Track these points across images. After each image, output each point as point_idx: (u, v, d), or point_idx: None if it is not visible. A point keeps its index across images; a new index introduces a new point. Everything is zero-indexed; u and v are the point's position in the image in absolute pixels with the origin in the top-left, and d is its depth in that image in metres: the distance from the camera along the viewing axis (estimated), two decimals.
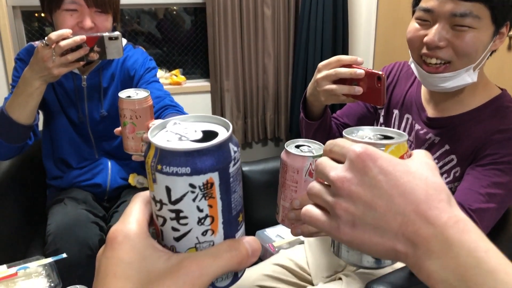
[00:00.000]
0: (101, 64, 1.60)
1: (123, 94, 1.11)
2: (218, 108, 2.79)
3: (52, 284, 1.22)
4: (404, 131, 1.22)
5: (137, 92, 1.12)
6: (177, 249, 0.36)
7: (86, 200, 1.63)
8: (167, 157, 0.34)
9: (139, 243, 0.35)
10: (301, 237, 1.69)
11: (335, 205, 0.40)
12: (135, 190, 1.70)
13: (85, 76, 1.59)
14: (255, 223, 1.72)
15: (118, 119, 1.65)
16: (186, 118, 0.39)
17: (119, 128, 1.16)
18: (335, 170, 0.41)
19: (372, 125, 1.35)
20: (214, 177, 0.34)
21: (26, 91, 1.34)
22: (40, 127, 1.69)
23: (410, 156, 0.43)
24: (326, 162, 0.43)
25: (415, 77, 1.21)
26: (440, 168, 1.12)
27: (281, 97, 2.87)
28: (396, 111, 1.26)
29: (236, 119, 2.83)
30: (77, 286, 1.07)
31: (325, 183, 0.44)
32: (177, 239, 0.36)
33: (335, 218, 0.41)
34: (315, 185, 0.44)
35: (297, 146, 0.78)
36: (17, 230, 1.68)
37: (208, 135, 0.36)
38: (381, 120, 1.31)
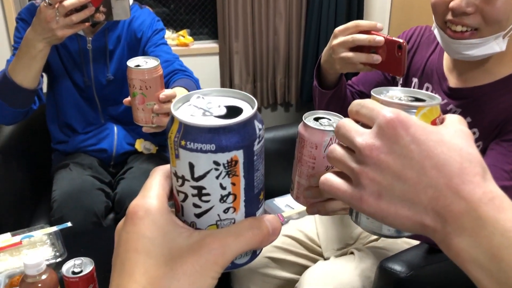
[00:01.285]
0: (107, 25, 1.54)
1: (131, 63, 1.06)
2: (226, 71, 2.72)
3: (57, 254, 1.20)
4: None
5: (147, 61, 1.06)
6: (197, 225, 0.36)
7: (91, 165, 1.61)
8: (191, 133, 0.33)
9: (160, 219, 0.35)
10: None
11: (361, 173, 0.38)
12: (141, 155, 1.67)
13: (90, 38, 1.53)
14: (264, 193, 1.68)
15: (125, 83, 1.60)
16: (209, 92, 0.39)
17: (128, 99, 1.11)
18: (362, 136, 0.38)
19: None
20: (239, 154, 0.33)
21: (29, 53, 1.30)
22: (44, 90, 1.65)
23: (442, 120, 0.41)
24: (351, 126, 0.40)
25: (437, 43, 1.14)
26: None
27: (292, 60, 2.79)
28: (415, 80, 1.19)
29: (245, 83, 2.76)
30: (82, 258, 1.04)
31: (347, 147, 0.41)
32: (198, 215, 0.36)
33: (358, 188, 0.38)
34: (337, 149, 0.41)
35: (316, 119, 0.71)
36: (21, 196, 1.66)
37: (232, 111, 0.35)
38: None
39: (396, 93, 0.46)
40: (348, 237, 1.32)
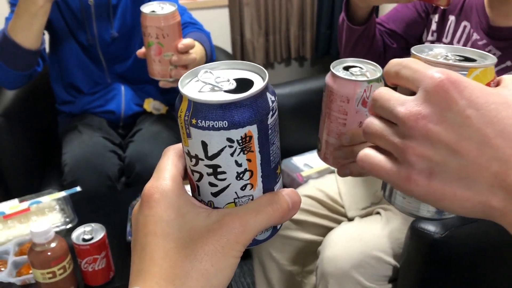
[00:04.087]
0: None
1: (146, 8, 0.96)
2: (237, 25, 2.60)
3: (67, 220, 1.16)
4: (459, 41, 1.07)
5: (162, 6, 0.97)
6: (215, 204, 0.36)
7: (101, 126, 1.55)
8: (202, 110, 0.32)
9: (177, 200, 0.34)
10: (332, 167, 1.58)
11: (406, 149, 0.33)
12: (151, 116, 1.61)
13: None
14: (281, 151, 1.60)
15: (131, 39, 1.53)
16: (217, 65, 0.37)
17: (143, 50, 1.02)
18: (405, 104, 0.33)
19: (423, 33, 1.18)
20: (253, 130, 0.32)
21: (29, 10, 1.21)
22: (47, 50, 1.57)
23: (498, 83, 0.35)
24: (390, 93, 0.35)
25: None
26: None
27: (306, 11, 2.65)
28: (452, 17, 1.09)
29: (257, 36, 2.64)
30: (92, 224, 0.99)
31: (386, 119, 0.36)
32: (215, 194, 0.35)
33: (405, 166, 0.33)
34: (374, 122, 0.36)
35: (346, 68, 0.62)
36: (29, 161, 1.61)
37: (243, 84, 0.34)
38: (433, 27, 1.14)
39: (441, 51, 0.40)
40: (373, 196, 1.25)
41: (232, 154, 0.33)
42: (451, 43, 1.08)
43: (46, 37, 1.56)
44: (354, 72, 0.61)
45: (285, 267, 1.26)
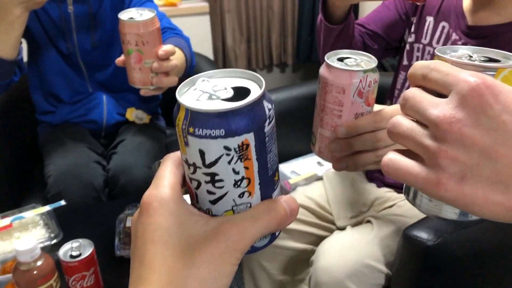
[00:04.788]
0: None
1: (124, 15, 0.94)
2: (218, 32, 2.59)
3: (52, 235, 1.12)
4: (438, 41, 1.09)
5: (141, 13, 0.96)
6: (213, 212, 0.36)
7: (83, 136, 1.52)
8: (199, 119, 0.32)
9: (175, 208, 0.34)
10: (319, 173, 1.57)
11: (439, 152, 0.32)
12: (133, 125, 1.58)
13: (71, 0, 1.41)
14: None
15: (111, 47, 1.50)
16: (214, 74, 0.37)
17: (122, 58, 1.00)
18: (439, 106, 0.33)
19: (403, 34, 1.19)
20: (250, 138, 0.33)
21: (6, 19, 1.17)
22: (25, 59, 1.52)
23: None
24: (422, 95, 0.34)
25: None
26: None
27: (287, 17, 2.67)
28: (430, 18, 1.11)
29: (239, 43, 2.63)
30: (80, 239, 0.95)
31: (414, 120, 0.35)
32: (213, 202, 0.36)
33: (435, 169, 0.32)
34: (402, 122, 0.35)
35: (340, 59, 0.61)
36: (10, 174, 1.55)
37: (240, 92, 0.34)
38: (412, 29, 1.15)
39: (465, 52, 0.40)
40: (361, 204, 1.25)
41: (229, 162, 0.33)
42: (430, 43, 1.09)
43: (24, 45, 1.52)
44: (349, 62, 0.60)
45: (275, 276, 1.24)
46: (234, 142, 0.32)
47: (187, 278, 0.32)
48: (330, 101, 0.61)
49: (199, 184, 0.35)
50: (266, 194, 0.36)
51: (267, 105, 0.34)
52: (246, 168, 0.34)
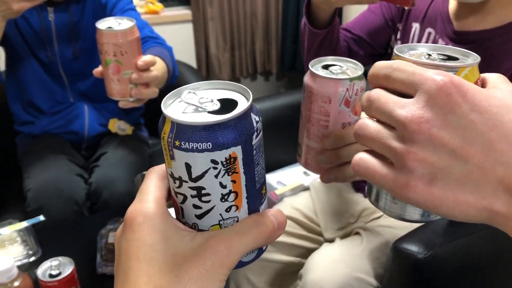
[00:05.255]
0: None
1: (102, 24, 0.91)
2: (201, 40, 2.57)
3: (30, 252, 1.08)
4: None
5: (119, 22, 0.93)
6: (199, 226, 0.35)
7: (64, 148, 1.47)
8: (185, 132, 0.31)
9: (160, 223, 0.33)
10: (305, 183, 1.56)
11: (407, 154, 0.31)
12: (115, 137, 1.54)
13: (52, 8, 1.37)
14: None
15: (93, 56, 1.46)
16: (200, 86, 0.37)
17: (99, 69, 0.97)
18: (406, 107, 0.32)
19: (389, 41, 1.19)
20: (237, 151, 0.32)
21: None
22: (2, 67, 1.49)
23: (483, 82, 0.35)
24: (387, 95, 0.34)
25: None
26: None
27: (271, 25, 2.66)
28: (416, 25, 1.11)
29: (223, 51, 2.62)
30: (59, 258, 0.92)
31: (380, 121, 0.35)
32: (200, 216, 0.35)
33: (404, 171, 0.32)
34: (369, 124, 0.35)
35: (325, 67, 0.59)
36: None
37: (226, 104, 0.34)
38: (398, 35, 1.15)
39: (423, 50, 0.40)
40: (348, 215, 1.23)
41: (216, 176, 0.33)
42: None
43: (2, 54, 1.48)
44: (334, 70, 0.58)
45: None
46: (221, 155, 0.32)
47: None
48: (315, 111, 0.58)
49: (185, 198, 0.34)
50: (254, 207, 0.36)
51: (254, 117, 0.34)
52: (233, 181, 0.33)
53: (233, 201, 0.34)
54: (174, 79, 1.27)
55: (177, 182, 0.34)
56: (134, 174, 1.37)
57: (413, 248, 0.90)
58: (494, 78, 0.35)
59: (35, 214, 1.17)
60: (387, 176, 0.33)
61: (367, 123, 0.35)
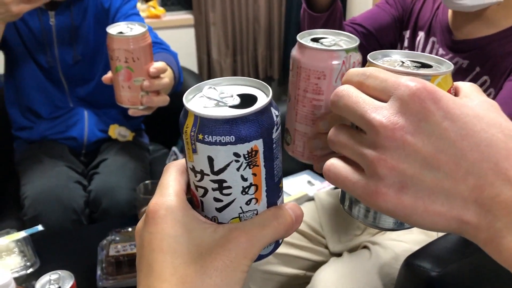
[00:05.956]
0: None
1: (113, 29, 0.88)
2: (203, 45, 2.55)
3: (28, 263, 1.04)
4: None
5: (131, 27, 0.90)
6: (219, 219, 0.36)
7: (63, 154, 1.44)
8: (209, 125, 0.32)
9: (182, 216, 0.34)
10: (310, 193, 1.53)
11: (377, 161, 0.31)
12: (115, 143, 1.51)
13: (53, 12, 1.34)
14: None
15: (94, 61, 1.43)
16: (220, 81, 0.38)
17: (109, 75, 0.93)
18: (380, 111, 0.31)
19: (395, 42, 1.18)
20: (259, 144, 0.33)
21: None
22: (1, 71, 1.45)
23: (455, 91, 0.35)
24: (358, 94, 0.33)
25: None
26: None
27: (274, 31, 2.66)
28: (421, 33, 1.11)
29: (224, 56, 2.60)
30: (59, 271, 0.88)
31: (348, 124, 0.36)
32: (220, 209, 0.35)
33: (374, 178, 0.31)
34: (342, 130, 0.35)
35: (315, 40, 0.52)
36: None
37: (246, 99, 0.35)
38: (406, 43, 1.15)
39: (397, 57, 0.39)
40: (354, 227, 1.20)
41: (238, 169, 0.33)
42: None
43: (0, 58, 1.45)
44: (325, 42, 0.50)
45: None
46: (243, 148, 0.32)
47: (200, 286, 0.32)
48: (307, 89, 0.51)
49: (206, 191, 0.35)
50: (272, 201, 0.36)
51: (274, 111, 0.34)
52: (254, 174, 0.34)
53: (253, 194, 0.35)
54: (180, 86, 1.24)
55: (199, 175, 0.34)
56: (135, 181, 1.34)
57: (426, 264, 0.87)
58: (467, 87, 0.35)
59: (32, 223, 1.13)
60: (357, 183, 0.32)
61: (339, 128, 0.35)
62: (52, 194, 1.27)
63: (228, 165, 0.33)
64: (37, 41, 1.37)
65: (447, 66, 0.36)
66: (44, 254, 1.07)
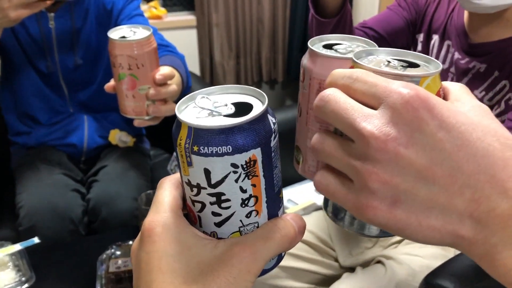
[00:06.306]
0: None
1: (114, 34, 0.82)
2: (205, 47, 2.51)
3: (23, 278, 1.00)
4: (443, 61, 1.06)
5: (134, 31, 0.84)
6: (218, 235, 0.35)
7: (61, 161, 1.39)
8: (204, 136, 0.31)
9: (180, 233, 0.33)
10: (318, 202, 1.47)
11: (368, 174, 0.29)
12: (116, 149, 1.46)
13: (52, 14, 1.29)
14: None
15: (96, 65, 1.38)
16: (213, 91, 0.37)
17: (112, 83, 0.87)
18: (370, 120, 0.29)
19: (408, 46, 1.14)
20: (257, 153, 0.32)
21: None
22: None
23: (444, 92, 0.33)
24: (346, 100, 0.31)
25: None
26: (491, 99, 0.98)
27: (278, 33, 2.61)
28: (436, 37, 1.08)
29: (228, 59, 2.56)
30: None
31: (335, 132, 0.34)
32: (219, 224, 0.34)
33: (365, 192, 0.30)
34: (328, 138, 0.32)
35: (327, 47, 0.47)
36: None
37: (241, 108, 0.34)
38: (419, 47, 1.11)
39: (382, 56, 0.37)
40: (365, 239, 1.15)
41: (236, 180, 0.32)
42: None
43: None
44: (340, 49, 0.46)
45: None
46: (241, 158, 0.31)
47: None
48: None
49: (203, 206, 0.34)
50: (273, 212, 0.35)
51: (271, 119, 0.33)
52: (254, 185, 0.33)
53: (253, 205, 0.34)
54: (188, 91, 1.18)
55: (195, 189, 0.33)
56: (136, 189, 1.29)
57: (447, 284, 0.82)
58: (456, 90, 0.33)
59: (27, 234, 1.09)
60: (348, 195, 0.31)
61: (324, 136, 0.33)
62: (48, 203, 1.22)
63: (226, 176, 0.32)
64: (36, 46, 1.32)
65: (436, 66, 0.34)
66: (40, 268, 1.03)
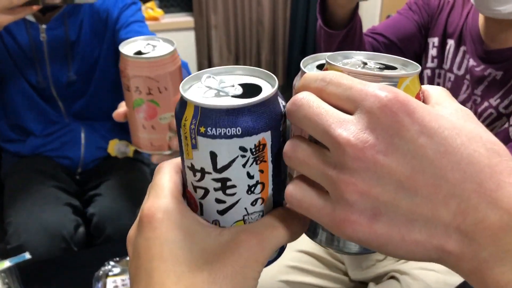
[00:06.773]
0: (67, 9, 1.22)
1: (127, 48, 0.67)
2: (204, 49, 2.50)
3: None
4: (459, 67, 1.03)
5: (154, 44, 0.67)
6: (221, 223, 0.33)
7: (54, 172, 1.33)
8: (211, 116, 0.29)
9: (182, 219, 0.31)
10: None
11: (346, 185, 0.27)
12: (116, 161, 1.39)
13: (44, 26, 1.21)
14: None
15: (91, 77, 1.30)
16: (220, 71, 0.35)
17: (122, 110, 0.71)
18: (346, 126, 0.27)
19: (420, 52, 1.10)
20: (267, 137, 0.30)
21: None
22: None
23: (424, 95, 0.31)
24: (320, 104, 0.29)
25: None
26: (506, 107, 0.94)
27: (278, 34, 2.62)
28: (451, 42, 1.04)
29: (226, 61, 2.58)
30: None
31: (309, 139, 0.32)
32: (222, 212, 0.33)
33: (342, 204, 0.28)
34: (301, 146, 0.30)
35: (321, 67, 0.43)
36: None
37: (248, 89, 0.32)
38: (433, 52, 1.07)
39: (358, 58, 0.36)
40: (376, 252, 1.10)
41: (244, 165, 0.31)
42: (451, 69, 1.03)
43: None
44: None
45: None
46: (251, 141, 0.30)
47: None
48: None
49: (207, 192, 0.32)
50: (279, 200, 0.34)
51: (281, 102, 0.32)
52: (261, 171, 0.32)
53: (259, 193, 0.33)
54: None
55: (198, 174, 0.32)
56: (141, 204, 1.23)
57: None
58: (437, 93, 0.32)
59: (16, 253, 1.03)
60: (323, 210, 0.29)
61: (297, 142, 0.30)
62: (38, 220, 1.16)
63: (233, 161, 0.30)
64: (26, 57, 1.25)
65: (414, 68, 0.33)
66: (32, 285, 0.98)
